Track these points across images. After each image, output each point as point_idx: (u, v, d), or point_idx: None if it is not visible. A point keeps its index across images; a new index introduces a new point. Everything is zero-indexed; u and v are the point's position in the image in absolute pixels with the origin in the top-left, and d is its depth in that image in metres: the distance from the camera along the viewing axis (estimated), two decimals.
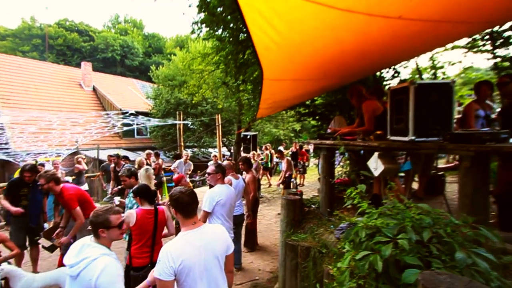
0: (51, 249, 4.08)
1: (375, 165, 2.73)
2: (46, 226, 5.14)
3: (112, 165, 6.80)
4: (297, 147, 9.01)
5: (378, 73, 5.40)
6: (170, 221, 3.25)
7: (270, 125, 13.97)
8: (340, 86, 4.94)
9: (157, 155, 8.33)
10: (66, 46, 36.98)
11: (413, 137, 2.33)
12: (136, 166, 6.83)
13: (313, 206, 4.05)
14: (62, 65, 24.10)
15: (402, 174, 3.76)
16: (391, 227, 1.69)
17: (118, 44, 36.66)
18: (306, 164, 9.44)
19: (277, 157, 9.49)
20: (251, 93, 6.54)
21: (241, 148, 8.43)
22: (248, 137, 7.73)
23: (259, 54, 2.09)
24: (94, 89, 19.68)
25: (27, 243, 4.33)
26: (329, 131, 4.09)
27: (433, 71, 6.14)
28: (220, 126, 9.30)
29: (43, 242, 4.08)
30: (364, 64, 3.45)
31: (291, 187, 6.68)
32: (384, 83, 5.42)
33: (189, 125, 14.73)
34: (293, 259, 3.36)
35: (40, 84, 17.51)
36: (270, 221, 7.07)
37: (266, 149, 10.10)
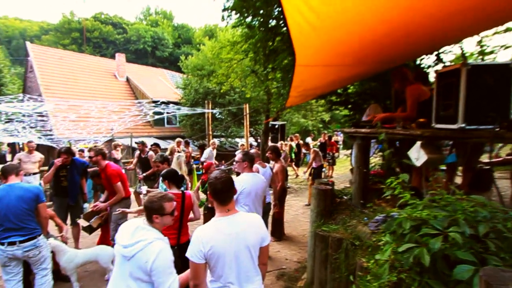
0: (89, 230, 4.38)
1: (417, 155, 2.54)
2: (86, 206, 5.49)
3: (138, 152, 6.92)
4: (326, 138, 8.77)
5: (418, 60, 5.04)
6: (196, 206, 3.37)
7: (298, 115, 13.71)
8: (376, 73, 4.67)
9: (187, 144, 8.53)
10: (102, 39, 38.77)
11: (463, 125, 2.13)
12: (168, 152, 7.11)
13: (345, 197, 3.92)
14: (98, 57, 25.35)
15: (443, 168, 3.51)
16: (440, 219, 1.56)
17: (149, 35, 37.73)
18: (336, 155, 9.19)
19: (304, 149, 9.32)
20: (281, 81, 6.41)
21: (269, 138, 8.38)
22: (276, 126, 7.64)
23: (293, 37, 1.99)
24: (128, 80, 20.51)
25: (68, 221, 4.64)
26: (364, 119, 3.90)
27: (481, 57, 5.60)
28: (248, 115, 9.28)
29: (82, 222, 4.38)
30: (406, 48, 3.21)
31: (322, 177, 6.53)
32: (425, 70, 5.05)
33: (216, 115, 14.91)
34: (323, 250, 3.29)
35: (79, 75, 18.55)
36: (297, 212, 7.01)
37: (291, 140, 9.95)
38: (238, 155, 3.64)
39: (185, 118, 15.51)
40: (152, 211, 1.95)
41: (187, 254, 1.74)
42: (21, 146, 13.18)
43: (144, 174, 6.21)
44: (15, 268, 3.06)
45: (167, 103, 9.25)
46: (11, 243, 2.93)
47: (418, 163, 2.49)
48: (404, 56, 3.89)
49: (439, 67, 5.05)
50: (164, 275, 1.78)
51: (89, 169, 4.99)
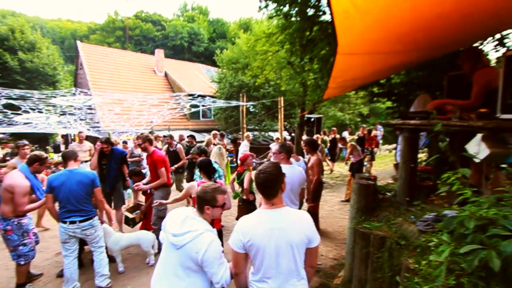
0: (132, 222, 4.68)
1: (477, 149, 2.28)
2: (129, 192, 5.82)
3: (166, 145, 7.07)
4: (365, 132, 8.35)
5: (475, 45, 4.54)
6: (228, 196, 3.38)
7: (334, 109, 13.25)
8: (424, 61, 4.30)
9: (222, 136, 8.67)
10: (142, 36, 40.72)
11: None
12: (204, 144, 7.31)
13: (388, 194, 3.69)
14: (139, 53, 26.68)
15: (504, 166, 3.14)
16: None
17: (186, 31, 38.83)
18: (375, 150, 8.74)
19: (341, 144, 8.97)
20: (318, 72, 6.20)
21: (304, 131, 8.21)
22: (312, 119, 7.44)
23: (336, 23, 1.86)
24: (166, 74, 21.38)
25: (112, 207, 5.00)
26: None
27: None
28: (282, 108, 9.16)
29: (126, 213, 4.71)
30: (462, 31, 2.88)
31: (364, 171, 6.25)
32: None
33: (250, 109, 14.96)
34: (364, 248, 3.14)
35: (122, 70, 19.73)
36: (333, 208, 6.82)
37: (324, 134, 9.64)
38: (275, 146, 3.60)
39: (220, 111, 15.78)
40: (204, 201, 1.95)
41: (229, 241, 1.76)
42: (72, 137, 14.38)
43: (175, 166, 6.30)
44: (73, 246, 3.43)
45: (203, 96, 9.46)
46: (72, 222, 3.30)
47: (479, 158, 2.23)
48: (461, 40, 3.52)
49: (500, 53, 4.52)
50: (215, 266, 1.80)
51: (130, 169, 5.29)
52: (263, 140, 15.83)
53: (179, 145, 6.63)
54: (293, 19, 6.84)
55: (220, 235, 3.57)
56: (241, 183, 4.80)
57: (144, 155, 7.91)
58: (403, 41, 2.78)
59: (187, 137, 7.83)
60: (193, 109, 8.98)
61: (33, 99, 7.95)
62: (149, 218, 4.74)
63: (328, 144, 9.69)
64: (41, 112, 9.04)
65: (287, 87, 9.67)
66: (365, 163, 6.45)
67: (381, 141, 9.76)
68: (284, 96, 10.55)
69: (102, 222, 3.70)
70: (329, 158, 9.59)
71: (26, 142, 5.68)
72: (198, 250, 1.77)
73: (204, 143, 7.40)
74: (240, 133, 12.76)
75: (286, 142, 3.60)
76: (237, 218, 5.06)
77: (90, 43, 30.06)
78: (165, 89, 19.90)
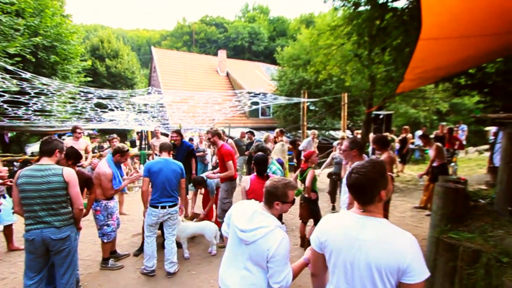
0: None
1: None
2: (189, 186, 6.14)
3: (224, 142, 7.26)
4: (445, 131, 7.31)
5: None
6: None
7: (406, 105, 11.99)
8: None
9: (282, 133, 8.60)
10: (206, 39, 43.17)
11: None
12: (263, 141, 7.39)
13: (482, 201, 3.13)
14: (203, 55, 28.35)
15: None
16: None
17: (247, 31, 39.90)
18: (457, 152, 7.62)
19: (422, 144, 7.99)
20: (391, 64, 5.64)
21: (371, 129, 7.60)
22: (381, 116, 6.82)
23: (423, 2, 1.59)
24: (227, 74, 22.28)
25: None
26: None
27: None
28: (346, 105, 8.67)
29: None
30: None
31: (451, 173, 5.49)
32: None
33: (310, 106, 14.57)
34: (450, 261, 2.70)
35: (188, 72, 21.22)
36: (403, 214, 6.16)
37: (391, 132, 8.76)
38: (345, 143, 3.35)
39: (279, 109, 15.74)
40: (274, 197, 1.86)
41: (310, 236, 1.62)
42: (145, 133, 15.95)
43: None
44: (155, 230, 3.79)
45: (265, 93, 9.52)
46: (163, 207, 3.64)
47: None
48: None
49: None
50: (282, 265, 1.73)
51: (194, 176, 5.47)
52: (323, 139, 15.28)
53: (230, 140, 6.77)
54: (362, 8, 6.38)
55: None
56: (303, 181, 4.64)
57: (209, 150, 8.36)
58: (506, 20, 2.29)
59: (246, 133, 8.01)
60: (254, 107, 9.09)
61: (117, 98, 9.04)
62: (210, 213, 5.09)
63: (398, 145, 8.81)
64: (123, 110, 10.23)
65: (352, 83, 9.09)
66: (454, 165, 5.58)
67: (465, 142, 8.48)
68: (348, 93, 9.97)
69: (181, 210, 3.98)
70: (399, 159, 8.72)
71: (115, 135, 6.47)
72: (269, 247, 1.71)
73: (263, 140, 7.48)
74: (300, 131, 12.52)
75: (357, 138, 3.32)
76: (299, 216, 4.93)
77: (162, 48, 33.15)
78: (227, 88, 20.74)
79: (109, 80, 23.36)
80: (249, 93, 11.35)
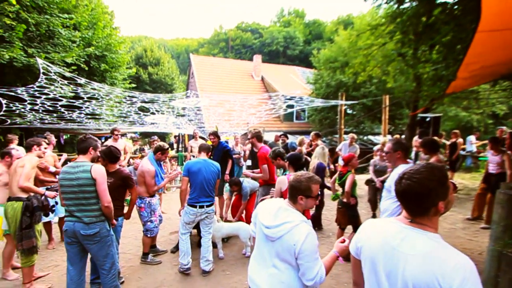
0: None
1: None
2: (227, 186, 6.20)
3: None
4: (506, 136, 6.48)
5: None
6: None
7: (456, 108, 10.97)
8: None
9: (317, 136, 8.37)
10: (242, 45, 44.06)
11: None
12: (298, 144, 7.29)
13: None
14: (239, 60, 28.92)
15: None
16: None
17: (282, 36, 40.00)
18: None
19: (488, 149, 7.20)
20: (441, 62, 5.21)
21: (416, 133, 7.06)
22: (428, 119, 6.29)
23: None
24: (262, 78, 22.44)
25: None
26: None
27: None
28: (387, 108, 8.19)
29: None
30: None
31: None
32: None
33: (347, 110, 14.05)
34: None
35: (224, 77, 21.75)
36: (454, 226, 5.61)
37: (441, 137, 8.04)
38: (388, 144, 3.11)
39: (315, 113, 15.40)
40: (298, 191, 1.84)
41: (350, 244, 1.50)
42: (182, 136, 16.54)
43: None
44: (190, 228, 3.86)
45: (301, 97, 9.36)
46: (201, 206, 3.71)
47: None
48: None
49: None
50: (311, 260, 1.68)
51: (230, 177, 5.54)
52: (361, 144, 14.62)
53: (289, 142, 6.70)
54: (406, 4, 6.03)
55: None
56: (342, 185, 4.43)
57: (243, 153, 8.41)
58: None
59: (280, 136, 7.93)
60: (289, 110, 8.97)
61: (159, 102, 9.51)
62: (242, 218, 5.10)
63: (447, 151, 8.08)
64: (163, 114, 10.73)
65: (394, 84, 8.57)
66: None
67: None
68: (389, 95, 9.44)
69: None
70: (448, 166, 7.99)
71: (156, 137, 6.82)
72: (296, 241, 1.68)
73: (297, 143, 7.35)
74: (336, 135, 12.12)
75: (401, 139, 3.08)
76: (336, 221, 4.72)
77: (199, 55, 34.49)
78: (262, 92, 20.85)
79: (151, 86, 24.81)
80: (284, 96, 11.29)
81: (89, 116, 9.47)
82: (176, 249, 4.40)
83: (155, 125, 11.28)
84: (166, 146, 4.28)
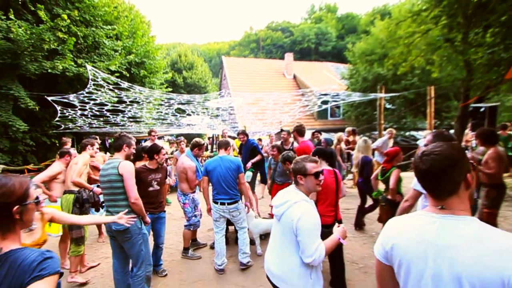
0: None
1: None
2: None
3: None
4: None
5: None
6: (342, 184, 3.33)
7: None
8: None
9: (354, 132, 8.04)
10: (272, 45, 44.00)
11: None
12: (335, 141, 7.04)
13: None
14: (270, 59, 28.90)
15: None
16: None
17: (313, 33, 39.23)
18: None
19: None
20: (498, 44, 4.68)
21: (468, 125, 6.45)
22: (482, 109, 5.69)
23: None
24: (294, 76, 22.18)
25: None
26: None
27: None
28: (432, 100, 7.57)
29: None
30: None
31: None
32: None
33: (386, 105, 13.29)
34: None
35: (256, 76, 21.89)
36: None
37: (504, 129, 7.18)
38: (428, 137, 2.84)
39: (351, 109, 14.80)
40: (296, 172, 2.00)
41: (374, 248, 1.27)
42: (216, 137, 16.86)
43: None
44: (222, 224, 3.84)
45: (337, 93, 9.02)
46: (222, 203, 3.69)
47: None
48: None
49: None
50: (309, 237, 1.75)
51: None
52: (402, 140, 13.71)
53: (323, 137, 6.58)
54: None
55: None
56: (385, 181, 4.17)
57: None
58: None
59: (313, 133, 7.71)
60: (324, 106, 8.68)
61: (194, 103, 9.80)
62: None
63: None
64: (198, 115, 11.03)
65: (440, 74, 7.89)
66: None
67: None
68: (434, 86, 8.73)
69: (246, 207, 3.99)
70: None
71: (182, 138, 7.03)
72: (293, 218, 1.80)
73: (335, 140, 7.09)
74: (375, 132, 11.52)
75: (444, 131, 2.78)
76: (378, 220, 4.45)
77: (230, 57, 35.11)
78: (294, 90, 20.62)
79: (186, 90, 25.74)
80: (318, 92, 10.98)
81: (131, 120, 10.05)
82: (214, 245, 4.48)
83: (190, 126, 11.64)
84: (202, 141, 4.38)
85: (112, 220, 2.40)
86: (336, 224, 2.08)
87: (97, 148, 4.36)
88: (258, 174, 5.99)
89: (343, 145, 7.40)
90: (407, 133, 13.96)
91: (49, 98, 7.49)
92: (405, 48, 7.65)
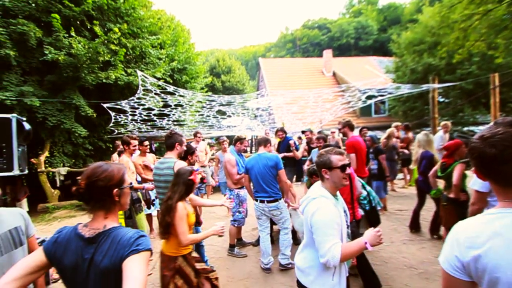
0: None
1: None
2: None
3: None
4: None
5: None
6: (357, 180, 3.24)
7: None
8: None
9: (407, 128, 7.47)
10: (309, 43, 43.19)
11: None
12: (386, 136, 6.63)
13: None
14: (307, 58, 28.38)
15: None
16: None
17: (352, 27, 37.68)
18: None
19: None
20: None
21: None
22: None
23: None
24: (334, 74, 21.46)
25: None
26: None
27: None
28: (497, 89, 6.70)
29: None
30: None
31: None
32: None
33: (439, 98, 12.14)
34: None
35: (293, 76, 21.64)
36: None
37: None
38: (490, 125, 2.45)
39: (398, 104, 13.80)
40: (320, 165, 1.87)
41: (440, 258, 1.03)
42: (255, 138, 16.90)
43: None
44: (265, 223, 3.80)
45: (383, 89, 8.42)
46: (261, 201, 3.67)
47: None
48: None
49: None
50: (322, 235, 1.64)
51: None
52: (459, 136, 12.38)
53: (368, 134, 6.32)
54: None
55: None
56: (445, 178, 3.76)
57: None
58: None
59: (361, 129, 7.34)
60: (368, 101, 8.15)
61: (235, 104, 9.95)
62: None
63: None
64: (238, 116, 11.18)
65: (505, 59, 6.95)
66: None
67: None
68: (498, 73, 7.75)
69: (286, 203, 3.88)
70: None
71: (225, 137, 7.16)
72: (308, 214, 1.76)
73: (385, 136, 6.67)
74: (427, 128, 10.61)
75: (507, 118, 2.38)
76: (440, 222, 4.04)
77: (267, 58, 35.20)
78: (335, 87, 19.98)
79: (224, 93, 26.35)
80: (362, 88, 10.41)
81: (175, 123, 10.53)
82: (257, 243, 4.43)
83: (230, 128, 11.84)
84: (243, 136, 4.42)
85: (220, 204, 2.89)
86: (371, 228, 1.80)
87: (134, 147, 4.31)
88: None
89: (395, 141, 6.91)
90: (465, 128, 12.58)
91: (105, 105, 8.16)
92: (461, 33, 6.92)
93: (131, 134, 4.45)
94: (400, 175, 8.43)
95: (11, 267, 1.16)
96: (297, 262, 1.92)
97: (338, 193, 1.95)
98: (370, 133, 6.59)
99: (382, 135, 7.27)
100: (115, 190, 1.25)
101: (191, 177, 2.45)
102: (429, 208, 5.29)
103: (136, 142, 4.30)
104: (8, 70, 7.22)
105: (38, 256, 1.19)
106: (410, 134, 7.54)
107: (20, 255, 1.65)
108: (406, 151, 7.47)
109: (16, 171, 2.68)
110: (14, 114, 2.75)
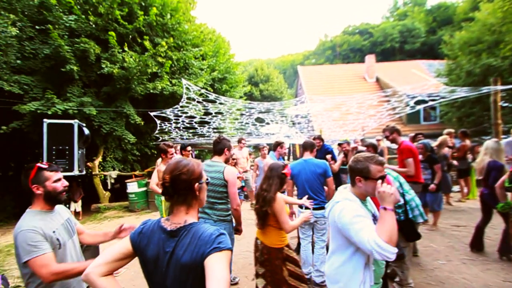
0: None
1: None
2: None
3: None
4: None
5: None
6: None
7: None
8: None
9: (465, 135, 6.79)
10: (349, 49, 42.00)
11: None
12: (437, 143, 6.17)
13: None
14: (348, 64, 27.54)
15: None
16: None
17: (397, 31, 35.84)
18: None
19: None
20: None
21: None
22: None
23: None
24: (377, 79, 20.48)
25: None
26: None
27: None
28: None
29: None
30: None
31: None
32: None
33: (502, 103, 10.83)
34: None
35: (334, 83, 21.08)
36: None
37: None
38: None
39: (452, 109, 12.60)
40: (355, 171, 1.74)
41: None
42: (293, 147, 16.67)
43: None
44: (307, 231, 3.63)
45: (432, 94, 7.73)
46: (307, 208, 3.41)
47: None
48: None
49: None
50: (356, 233, 1.56)
51: None
52: None
53: (422, 141, 5.93)
54: None
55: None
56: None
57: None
58: None
59: (415, 135, 6.87)
60: (418, 107, 7.48)
61: (274, 111, 9.95)
62: None
63: None
64: (277, 123, 11.14)
65: None
66: None
67: None
68: None
69: None
70: None
71: (265, 144, 7.17)
72: (334, 217, 1.70)
73: (437, 143, 6.17)
74: (486, 137, 9.54)
75: None
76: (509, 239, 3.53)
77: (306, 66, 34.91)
78: (379, 93, 19.03)
79: (262, 102, 26.69)
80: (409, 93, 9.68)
81: (215, 130, 10.83)
82: (296, 251, 4.27)
83: (269, 135, 11.83)
84: (282, 140, 4.41)
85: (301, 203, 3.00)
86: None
87: (171, 155, 4.35)
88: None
89: (446, 151, 6.32)
90: None
91: (152, 114, 8.70)
92: None
93: (167, 142, 4.59)
94: (456, 187, 7.65)
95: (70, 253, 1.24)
96: (326, 270, 1.89)
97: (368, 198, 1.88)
98: (423, 140, 6.08)
99: (433, 143, 6.67)
100: (196, 184, 1.27)
101: (284, 171, 2.61)
102: (492, 225, 4.66)
103: (173, 150, 4.44)
104: (71, 83, 8.08)
105: (125, 245, 1.24)
106: (468, 142, 6.81)
107: (72, 244, 1.84)
108: (455, 162, 6.80)
109: (76, 171, 2.92)
110: (76, 120, 3.01)
